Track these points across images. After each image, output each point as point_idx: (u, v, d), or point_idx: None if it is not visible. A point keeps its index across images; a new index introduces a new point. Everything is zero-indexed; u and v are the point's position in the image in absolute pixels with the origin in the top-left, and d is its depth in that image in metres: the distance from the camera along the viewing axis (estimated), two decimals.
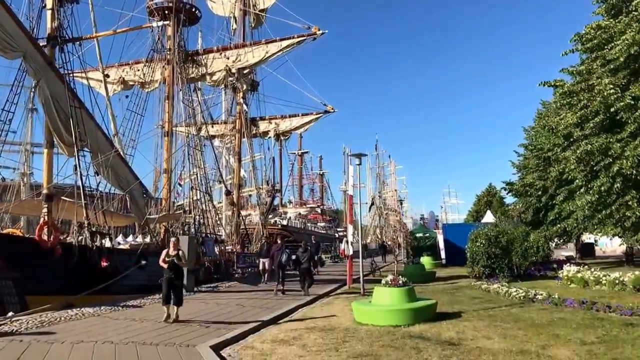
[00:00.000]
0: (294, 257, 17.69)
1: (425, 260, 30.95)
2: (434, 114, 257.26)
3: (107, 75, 20.75)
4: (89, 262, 16.23)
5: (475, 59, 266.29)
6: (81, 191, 16.73)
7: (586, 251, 38.67)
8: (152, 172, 25.44)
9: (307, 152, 78.13)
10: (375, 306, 11.44)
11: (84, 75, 22.41)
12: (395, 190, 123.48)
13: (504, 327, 9.87)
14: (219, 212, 33.59)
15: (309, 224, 60.58)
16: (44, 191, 17.42)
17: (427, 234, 37.63)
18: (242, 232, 31.35)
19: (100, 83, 24.36)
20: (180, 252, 11.43)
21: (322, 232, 64.51)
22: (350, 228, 19.87)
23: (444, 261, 35.65)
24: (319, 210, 71.81)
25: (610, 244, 49.17)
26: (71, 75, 18.11)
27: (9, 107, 17.45)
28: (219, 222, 28.32)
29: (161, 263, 11.34)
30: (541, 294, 14.01)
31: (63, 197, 17.82)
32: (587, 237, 38.97)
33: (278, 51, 25.53)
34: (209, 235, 24.25)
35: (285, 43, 25.39)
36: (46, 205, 17.08)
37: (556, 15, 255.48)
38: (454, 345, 8.23)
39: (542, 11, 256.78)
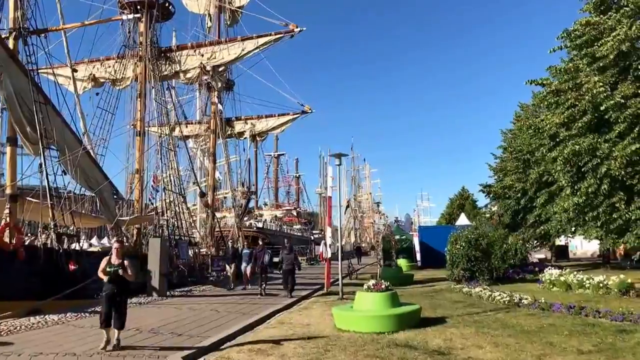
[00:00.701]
0: (276, 259, 18.09)
1: (401, 263, 30.64)
2: (410, 119, 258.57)
3: (76, 71, 19.87)
4: (56, 266, 15.38)
5: (457, 58, 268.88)
6: (47, 191, 15.85)
7: (560, 253, 38.88)
8: (124, 172, 24.52)
9: (283, 154, 77.62)
10: (357, 312, 10.93)
11: (51, 71, 21.47)
12: (370, 193, 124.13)
13: (493, 334, 9.45)
14: (193, 214, 32.77)
15: (284, 227, 59.96)
16: (7, 191, 16.54)
17: (403, 236, 37.33)
18: (216, 234, 30.57)
19: (68, 80, 23.41)
20: (125, 262, 9.07)
21: (298, 234, 63.92)
22: (328, 230, 19.35)
23: (419, 263, 35.44)
24: (294, 212, 71.15)
25: (581, 246, 49.63)
26: (36, 69, 17.14)
27: None
28: (193, 225, 27.52)
29: (100, 274, 8.99)
30: (526, 298, 13.69)
31: (28, 198, 16.93)
32: (559, 240, 39.28)
33: (254, 48, 24.90)
34: (182, 237, 23.48)
35: (262, 40, 24.78)
36: (9, 206, 16.21)
37: (532, 15, 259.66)
38: (444, 355, 7.76)
39: (517, 12, 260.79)
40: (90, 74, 25.25)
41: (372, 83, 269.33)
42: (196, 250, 24.77)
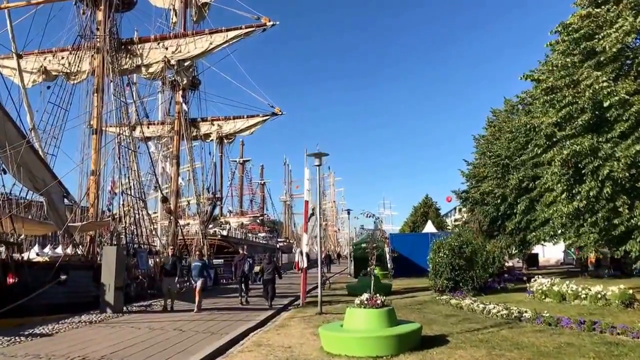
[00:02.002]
0: (257, 268, 18.38)
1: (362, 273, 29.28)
2: (375, 130, 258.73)
3: (21, 57, 17.75)
4: None
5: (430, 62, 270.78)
6: None
7: (530, 261, 38.20)
8: (77, 174, 22.29)
9: (248, 160, 75.44)
10: (349, 332, 9.36)
11: None
12: (334, 201, 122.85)
13: (509, 356, 8.05)
14: (154, 221, 30.62)
15: (249, 235, 57.95)
16: None
17: (375, 244, 35.84)
18: (180, 242, 28.56)
19: (14, 71, 21.20)
20: None
21: (263, 242, 61.88)
22: (305, 237, 17.75)
23: (392, 272, 34.17)
24: (259, 220, 69.10)
25: (543, 254, 49.22)
26: None
27: None
28: (154, 232, 25.46)
29: None
30: (526, 311, 12.40)
31: None
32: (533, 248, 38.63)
33: (224, 42, 23.19)
34: (142, 246, 21.46)
35: (232, 34, 23.10)
36: None
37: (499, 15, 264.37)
38: None
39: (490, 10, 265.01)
40: (41, 66, 23.03)
41: (343, 89, 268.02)
42: (157, 260, 22.75)
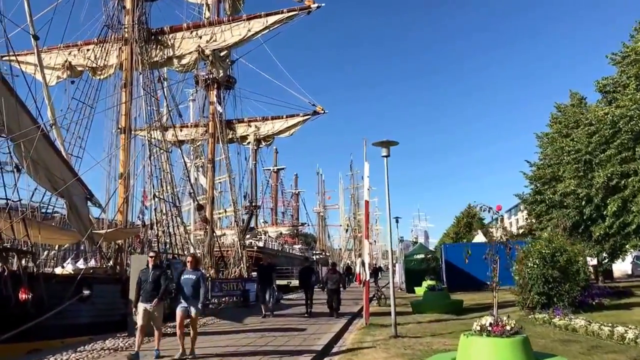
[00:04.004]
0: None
1: (427, 286, 26.38)
2: (411, 138, 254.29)
3: (37, 38, 15.62)
4: None
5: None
6: None
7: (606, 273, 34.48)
8: (105, 178, 20.03)
9: (283, 169, 72.86)
10: None
11: (13, 57, 17.13)
12: (369, 212, 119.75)
13: None
14: (188, 231, 28.28)
15: (285, 246, 55.35)
16: None
17: (429, 255, 32.85)
18: (216, 254, 26.12)
19: (36, 67, 19.08)
20: None
21: (299, 254, 59.26)
22: (366, 245, 14.96)
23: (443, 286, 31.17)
24: (300, 228, 66.38)
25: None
26: None
27: None
28: (188, 242, 23.02)
29: None
30: None
31: None
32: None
33: (263, 29, 20.78)
34: (177, 257, 18.95)
35: (272, 19, 20.67)
36: None
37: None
38: None
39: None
40: (65, 61, 21.00)
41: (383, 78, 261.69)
42: (204, 272, 20.27)
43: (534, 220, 29.29)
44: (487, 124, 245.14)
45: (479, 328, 7.23)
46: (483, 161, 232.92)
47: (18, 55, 18.26)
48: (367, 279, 14.23)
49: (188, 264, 10.00)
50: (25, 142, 12.70)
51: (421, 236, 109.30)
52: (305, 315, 17.20)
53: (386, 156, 12.78)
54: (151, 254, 10.25)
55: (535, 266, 15.63)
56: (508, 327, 7.07)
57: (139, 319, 9.52)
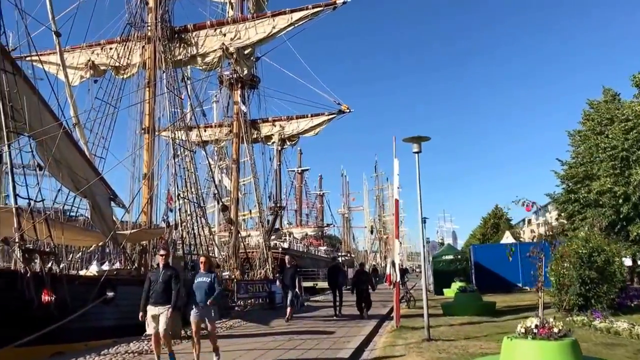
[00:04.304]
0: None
1: (457, 288, 25.65)
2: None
3: (59, 35, 15.44)
4: (20, 297, 10.66)
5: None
6: (11, 189, 11.23)
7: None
8: (129, 178, 19.86)
9: (307, 170, 72.37)
10: None
11: (36, 57, 17.03)
12: (393, 213, 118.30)
13: None
14: (213, 232, 28.04)
15: (310, 248, 54.88)
16: None
17: (458, 256, 32.01)
18: (241, 255, 25.79)
19: (58, 67, 18.97)
20: None
21: (324, 256, 58.70)
22: (397, 246, 14.37)
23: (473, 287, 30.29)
24: (326, 229, 65.80)
25: None
26: (2, 27, 12.60)
27: None
28: (213, 243, 22.73)
29: None
30: None
31: None
32: None
33: (288, 25, 20.36)
34: None
35: (297, 15, 20.24)
36: None
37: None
38: None
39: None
40: (89, 60, 20.87)
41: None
42: (218, 274, 19.93)
43: (564, 221, 28.35)
44: (513, 122, 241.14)
45: (523, 330, 6.70)
46: (509, 160, 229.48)
47: (41, 55, 18.16)
48: (397, 280, 13.68)
49: (201, 266, 9.19)
50: (48, 141, 12.47)
51: (447, 237, 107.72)
52: (334, 316, 16.85)
53: (417, 152, 12.22)
54: (161, 252, 9.34)
55: (571, 267, 14.91)
56: (555, 330, 6.52)
57: (149, 326, 8.50)
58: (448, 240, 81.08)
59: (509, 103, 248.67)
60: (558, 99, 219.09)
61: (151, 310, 8.47)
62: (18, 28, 13.50)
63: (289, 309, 15.78)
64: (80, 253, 18.34)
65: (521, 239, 62.08)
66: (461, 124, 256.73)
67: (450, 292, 26.38)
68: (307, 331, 13.05)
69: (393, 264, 13.94)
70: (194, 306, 8.73)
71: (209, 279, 8.83)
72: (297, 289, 16.49)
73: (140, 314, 8.59)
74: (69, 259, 17.74)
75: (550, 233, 8.96)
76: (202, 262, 9.23)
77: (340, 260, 62.62)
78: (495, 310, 17.90)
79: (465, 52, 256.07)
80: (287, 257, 17.54)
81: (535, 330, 6.51)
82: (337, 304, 17.27)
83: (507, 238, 45.50)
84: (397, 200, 14.25)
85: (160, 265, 8.93)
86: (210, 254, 20.37)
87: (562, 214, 27.93)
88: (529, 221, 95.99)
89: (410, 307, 20.55)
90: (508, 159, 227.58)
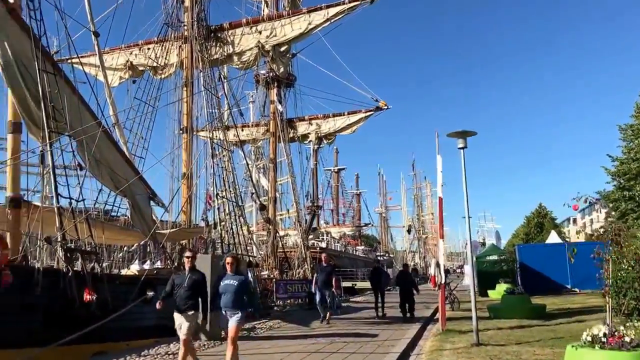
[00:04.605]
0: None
1: (503, 289, 24.82)
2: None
3: (98, 35, 15.53)
4: (63, 295, 10.66)
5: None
6: (53, 189, 11.25)
7: None
8: (168, 178, 19.92)
9: (343, 169, 71.84)
10: None
11: (77, 60, 17.15)
12: (432, 213, 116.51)
13: None
14: (251, 232, 27.99)
15: (348, 248, 54.45)
16: (7, 193, 12.08)
17: (503, 257, 31.04)
18: (280, 255, 25.63)
19: (97, 69, 19.13)
20: None
21: (362, 256, 58.17)
22: (441, 245, 13.84)
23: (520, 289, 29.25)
24: (365, 229, 65.22)
25: None
26: (44, 31, 12.63)
27: None
28: (251, 242, 22.61)
29: None
30: None
31: (36, 203, 12.47)
32: None
33: (324, 21, 20.08)
34: (240, 257, 18.50)
35: (333, 11, 19.92)
36: (10, 212, 11.77)
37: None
38: None
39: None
40: (127, 61, 21.04)
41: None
42: (257, 273, 19.79)
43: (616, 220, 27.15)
44: (560, 117, 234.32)
45: (589, 339, 6.18)
46: (554, 157, 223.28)
47: (81, 57, 18.32)
48: (442, 282, 13.18)
49: (227, 267, 8.18)
50: (88, 140, 12.49)
51: (489, 237, 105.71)
52: (376, 318, 16.58)
53: (463, 148, 11.71)
54: (187, 254, 8.66)
55: (630, 268, 14.07)
56: (627, 339, 5.97)
57: (179, 333, 8.22)
58: (490, 240, 79.69)
59: (551, 97, 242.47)
60: (607, 92, 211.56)
61: (177, 318, 8.22)
62: (59, 31, 13.62)
63: (328, 312, 15.18)
64: (122, 252, 18.50)
65: (567, 239, 60.24)
66: (501, 121, 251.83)
67: (495, 294, 25.61)
68: (349, 333, 12.69)
69: (437, 264, 13.45)
70: (221, 311, 8.21)
71: (237, 282, 8.01)
72: (334, 289, 15.75)
73: (159, 302, 8.55)
74: (111, 258, 17.90)
75: (616, 231, 8.23)
76: (228, 263, 8.20)
77: (380, 261, 62.13)
78: (545, 313, 17.16)
79: (511, 45, 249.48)
80: (322, 256, 16.86)
81: (603, 339, 5.99)
82: (380, 305, 17.02)
83: (554, 238, 44.12)
84: (440, 199, 13.73)
85: (186, 268, 8.37)
86: (249, 253, 20.23)
87: (614, 213, 26.77)
88: (574, 220, 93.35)
89: (455, 310, 19.93)
90: (552, 156, 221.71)
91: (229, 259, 8.29)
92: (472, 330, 12.34)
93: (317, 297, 15.14)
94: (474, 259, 30.69)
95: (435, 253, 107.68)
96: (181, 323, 8.10)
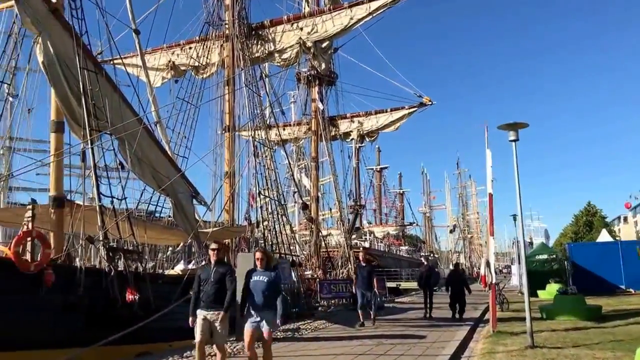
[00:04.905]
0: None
1: (554, 288, 23.74)
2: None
3: (138, 32, 15.54)
4: (105, 295, 10.57)
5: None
6: (94, 188, 11.20)
7: None
8: (211, 177, 19.88)
9: (386, 168, 70.88)
10: None
11: (119, 60, 17.26)
12: (478, 212, 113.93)
13: None
14: (294, 231, 27.75)
15: (392, 247, 53.68)
16: (51, 193, 12.15)
17: (553, 255, 29.86)
18: (323, 254, 25.28)
19: (139, 69, 19.24)
20: None
21: (406, 256, 57.24)
22: (492, 243, 13.15)
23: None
24: (409, 228, 64.22)
25: None
26: (85, 29, 12.64)
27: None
28: (294, 241, 22.34)
29: None
30: None
31: (79, 202, 12.48)
32: None
33: (366, 15, 19.65)
34: (283, 256, 18.21)
35: (375, 4, 19.46)
36: (54, 212, 11.81)
37: None
38: None
39: None
40: (169, 61, 21.13)
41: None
42: (300, 273, 19.48)
43: None
44: (608, 115, 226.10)
45: None
46: (603, 155, 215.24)
47: (124, 57, 18.44)
48: (493, 282, 12.52)
49: (257, 263, 7.46)
50: (129, 139, 12.42)
51: (536, 236, 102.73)
52: (424, 318, 16.30)
53: (514, 140, 11.06)
54: (213, 246, 7.70)
55: None
56: None
57: (197, 332, 7.34)
58: (537, 240, 77.30)
59: (601, 95, 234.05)
60: None
61: (201, 314, 7.33)
62: (100, 34, 13.65)
63: (372, 314, 14.42)
64: (168, 252, 18.53)
65: (617, 238, 57.81)
66: (549, 117, 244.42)
67: (545, 294, 24.65)
68: (397, 335, 12.19)
69: (488, 263, 12.80)
70: (251, 311, 7.33)
71: (268, 278, 7.30)
72: (375, 290, 14.79)
73: (191, 318, 7.42)
74: (157, 258, 17.95)
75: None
76: (258, 259, 7.48)
77: (424, 261, 60.90)
78: (601, 315, 16.21)
79: (563, 38, 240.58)
80: (360, 254, 15.96)
81: None
82: (428, 305, 16.73)
83: (605, 237, 42.30)
84: (490, 195, 13.04)
85: (212, 262, 7.54)
86: (293, 253, 19.94)
87: None
88: (625, 219, 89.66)
89: (504, 310, 19.13)
90: (601, 153, 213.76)
91: (258, 254, 7.60)
92: (524, 332, 11.74)
93: (359, 300, 14.38)
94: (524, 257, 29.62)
95: (481, 253, 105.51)
96: (207, 321, 7.26)
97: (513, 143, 11.21)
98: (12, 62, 12.75)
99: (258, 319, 7.25)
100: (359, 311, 14.29)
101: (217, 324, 7.24)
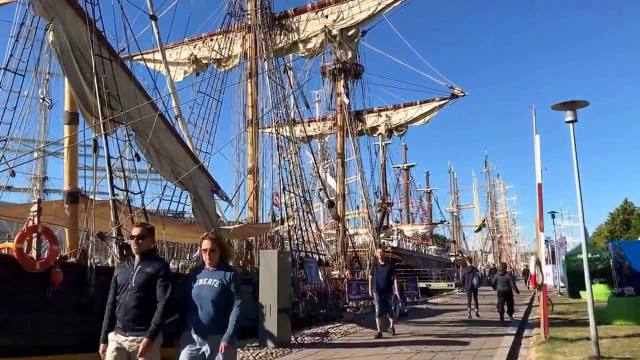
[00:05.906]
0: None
1: (600, 290, 22.23)
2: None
3: (155, 18, 14.77)
4: None
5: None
6: (108, 180, 10.40)
7: None
8: (234, 173, 19.08)
9: (413, 166, 69.25)
10: None
11: (140, 56, 16.63)
12: (507, 212, 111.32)
13: None
14: (320, 229, 26.78)
15: (420, 247, 52.33)
16: (65, 187, 11.42)
17: (596, 254, 28.22)
18: (350, 254, 24.27)
19: (159, 64, 18.51)
20: None
21: (435, 256, 55.79)
22: (542, 240, 11.87)
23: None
24: (440, 226, 62.62)
25: None
26: (99, 15, 11.89)
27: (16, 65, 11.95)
28: (320, 239, 21.35)
29: None
30: None
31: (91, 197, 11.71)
32: None
33: (394, 1, 18.55)
34: (309, 254, 17.22)
35: None
36: (68, 207, 11.08)
37: None
38: None
39: None
40: (191, 55, 20.42)
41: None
42: (327, 273, 18.49)
43: None
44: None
45: None
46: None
47: (145, 53, 17.75)
48: (544, 282, 11.33)
49: (205, 257, 4.59)
50: (146, 130, 11.62)
51: (569, 236, 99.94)
52: (467, 319, 15.94)
53: (572, 121, 9.87)
54: (134, 231, 4.74)
55: None
56: None
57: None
58: (570, 239, 74.63)
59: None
60: None
61: (115, 340, 4.52)
62: (117, 34, 12.91)
63: (391, 321, 12.16)
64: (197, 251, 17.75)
65: None
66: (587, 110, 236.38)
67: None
68: (437, 341, 11.10)
69: (538, 262, 11.62)
70: (190, 330, 4.47)
71: (221, 281, 4.46)
72: (395, 293, 12.17)
73: (101, 346, 4.63)
74: (179, 257, 17.19)
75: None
76: (206, 251, 4.59)
77: (452, 260, 59.31)
78: None
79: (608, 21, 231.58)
80: (378, 252, 13.63)
81: None
82: (472, 307, 16.67)
83: None
84: (539, 185, 11.85)
85: (137, 258, 4.68)
86: (320, 252, 18.94)
87: None
88: None
89: (549, 312, 17.84)
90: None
91: (206, 243, 4.62)
92: (580, 339, 10.60)
93: (377, 307, 11.96)
94: (563, 258, 28.19)
95: (511, 253, 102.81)
96: (123, 352, 4.49)
97: (570, 125, 9.99)
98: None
99: (203, 347, 4.39)
100: (377, 319, 11.94)
101: (139, 359, 4.33)
